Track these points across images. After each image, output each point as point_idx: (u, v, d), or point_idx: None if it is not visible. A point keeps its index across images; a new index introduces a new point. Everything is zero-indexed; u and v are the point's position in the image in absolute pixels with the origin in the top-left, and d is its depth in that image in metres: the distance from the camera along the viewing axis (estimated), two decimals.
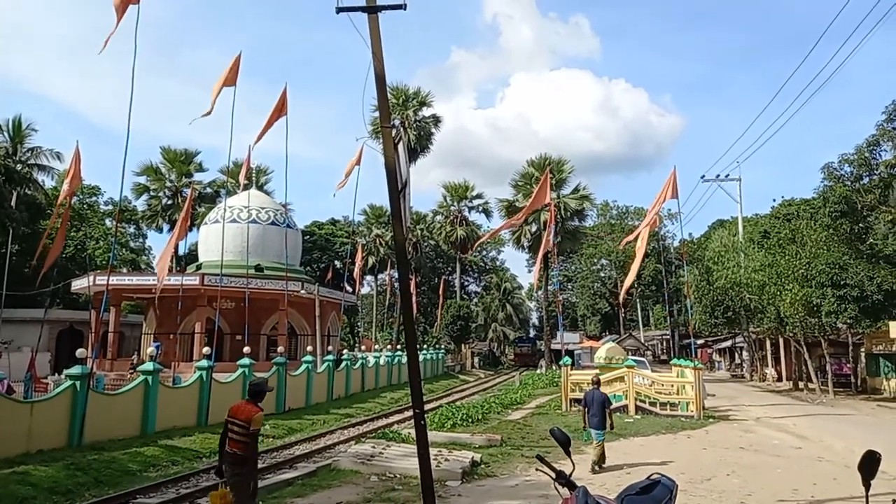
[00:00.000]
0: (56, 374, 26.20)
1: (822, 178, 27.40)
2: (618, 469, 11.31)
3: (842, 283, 23.97)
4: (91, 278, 28.53)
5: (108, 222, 53.01)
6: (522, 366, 63.84)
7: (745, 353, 44.13)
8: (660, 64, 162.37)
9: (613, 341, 44.07)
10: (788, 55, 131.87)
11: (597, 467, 11.14)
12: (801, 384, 31.70)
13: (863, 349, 30.60)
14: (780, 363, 37.78)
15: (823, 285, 24.65)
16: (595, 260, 77.19)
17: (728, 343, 48.53)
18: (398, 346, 42.84)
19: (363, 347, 46.25)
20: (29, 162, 40.03)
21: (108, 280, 20.14)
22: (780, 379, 36.98)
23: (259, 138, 22.16)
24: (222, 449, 7.07)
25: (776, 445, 14.49)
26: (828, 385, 28.38)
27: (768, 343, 38.96)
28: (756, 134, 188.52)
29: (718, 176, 41.77)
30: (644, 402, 19.78)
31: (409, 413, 20.67)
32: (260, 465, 14.11)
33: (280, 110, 22.39)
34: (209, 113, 19.51)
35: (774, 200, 54.62)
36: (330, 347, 30.17)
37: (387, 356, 36.67)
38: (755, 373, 40.33)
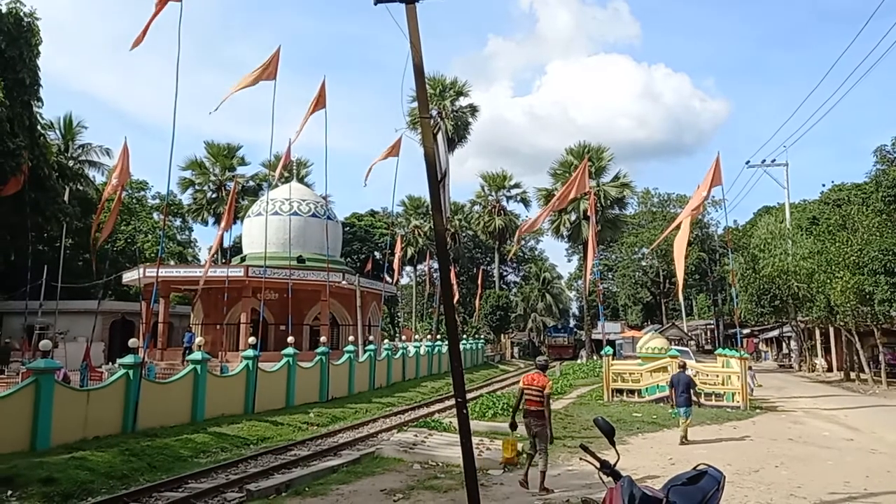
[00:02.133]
0: (110, 364, 27.19)
1: (874, 162, 26.55)
2: (662, 460, 11.20)
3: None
4: (141, 271, 29.43)
5: (156, 216, 54.52)
6: (557, 359, 51.99)
7: (792, 343, 42.97)
8: (702, 47, 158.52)
9: (656, 331, 43.41)
10: (838, 32, 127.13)
11: (685, 440, 12.76)
12: (852, 375, 30.77)
13: None
14: (829, 353, 36.68)
15: (876, 272, 23.83)
16: (636, 249, 75.90)
17: (775, 333, 47.33)
18: (438, 336, 43.06)
19: (403, 337, 46.65)
20: (80, 158, 41.38)
21: (157, 272, 20.76)
22: (830, 369, 35.93)
23: (298, 133, 22.48)
24: (515, 411, 9.66)
25: (826, 437, 14.12)
26: (881, 375, 27.49)
27: (818, 332, 37.89)
28: (804, 116, 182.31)
29: (764, 161, 40.60)
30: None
31: (450, 402, 20.84)
32: (305, 453, 14.46)
33: (318, 103, 22.62)
34: (225, 98, 19.55)
35: (824, 185, 52.90)
36: (371, 337, 30.53)
37: (427, 346, 36.91)
38: (804, 363, 39.28)
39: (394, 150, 27.63)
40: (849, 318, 26.40)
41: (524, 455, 10.17)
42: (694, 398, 13.26)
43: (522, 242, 74.32)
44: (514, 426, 9.53)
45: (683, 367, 14.29)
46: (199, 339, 21.40)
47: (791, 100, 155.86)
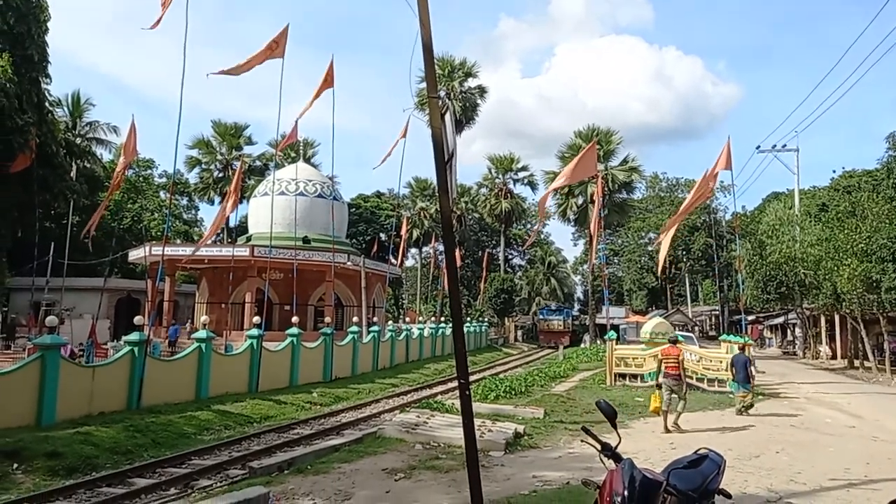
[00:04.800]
0: (115, 341, 27.39)
1: (886, 148, 26.30)
2: (663, 443, 11.23)
3: None
4: (147, 249, 29.53)
5: (162, 194, 54.62)
6: (551, 346, 48.19)
7: (797, 330, 42.88)
8: (714, 29, 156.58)
9: (660, 316, 43.35)
10: (853, 15, 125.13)
11: (744, 412, 14.46)
12: (856, 362, 30.71)
13: None
14: (834, 340, 36.59)
15: (884, 260, 23.69)
16: (643, 234, 75.54)
17: (780, 319, 47.21)
18: (442, 319, 43.16)
19: (407, 319, 46.77)
20: (88, 136, 41.41)
21: (163, 251, 20.84)
22: (834, 357, 35.86)
23: (303, 112, 22.34)
24: (658, 374, 13.18)
25: (828, 424, 14.11)
26: (885, 364, 27.42)
27: (823, 320, 37.76)
28: (816, 101, 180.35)
29: (775, 146, 40.12)
30: (691, 377, 19.45)
31: (453, 384, 20.93)
32: (308, 431, 14.57)
33: (326, 83, 22.47)
34: (229, 72, 19.10)
35: (834, 172, 52.25)
36: (375, 319, 30.62)
37: (430, 328, 37.00)
38: (808, 350, 39.21)
39: (402, 132, 27.52)
40: (855, 306, 26.29)
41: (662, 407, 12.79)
42: (751, 376, 15.04)
43: (528, 226, 74.05)
44: (659, 385, 12.92)
45: (742, 349, 16.18)
46: (204, 318, 21.50)
47: (804, 84, 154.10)
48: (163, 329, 29.87)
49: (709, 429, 13.05)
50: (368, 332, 27.64)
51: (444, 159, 6.81)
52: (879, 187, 27.18)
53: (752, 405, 14.85)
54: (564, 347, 43.97)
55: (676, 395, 12.76)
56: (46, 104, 25.71)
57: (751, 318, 47.83)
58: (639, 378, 20.33)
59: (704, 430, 12.76)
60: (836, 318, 33.82)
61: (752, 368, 14.88)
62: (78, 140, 39.49)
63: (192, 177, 53.84)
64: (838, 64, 68.35)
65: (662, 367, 13.02)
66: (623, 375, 20.66)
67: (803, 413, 15.62)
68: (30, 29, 22.62)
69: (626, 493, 3.80)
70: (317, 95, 22.23)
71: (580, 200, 49.26)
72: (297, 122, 25.22)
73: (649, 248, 76.68)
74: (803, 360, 36.85)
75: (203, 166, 52.50)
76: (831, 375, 27.47)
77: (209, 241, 27.72)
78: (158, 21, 16.73)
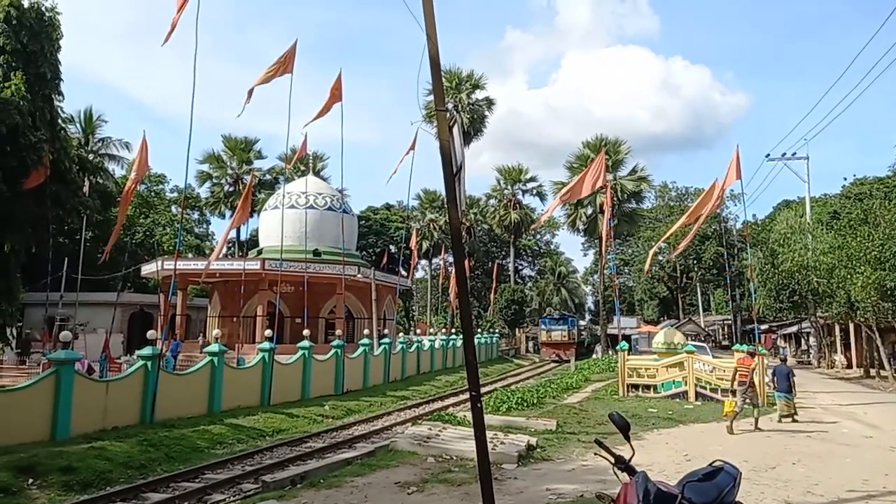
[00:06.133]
0: (128, 355, 27.50)
1: None
2: (678, 456, 11.13)
3: None
4: (159, 263, 29.72)
5: (174, 209, 55.04)
6: (555, 361, 44.96)
7: (811, 339, 42.46)
8: (721, 39, 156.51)
9: (672, 326, 43.04)
10: (860, 23, 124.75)
11: (783, 420, 15.00)
12: (872, 371, 30.35)
13: None
14: (849, 349, 36.19)
15: None
16: (653, 243, 75.19)
17: (794, 328, 46.79)
18: (453, 330, 43.08)
19: (418, 331, 46.71)
20: (100, 152, 41.90)
21: (175, 265, 20.96)
22: (849, 366, 35.46)
23: (310, 122, 22.52)
24: (732, 382, 14.86)
25: (845, 434, 13.94)
26: None
27: (837, 328, 37.38)
28: (826, 109, 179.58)
29: (784, 154, 39.93)
30: (705, 388, 19.33)
31: (464, 396, 20.85)
32: (320, 445, 14.56)
33: (334, 97, 22.66)
34: (249, 96, 19.73)
35: (845, 179, 52.07)
36: (386, 331, 30.63)
37: (441, 340, 36.95)
38: (823, 359, 38.80)
39: (411, 145, 27.68)
40: (869, 314, 26.01)
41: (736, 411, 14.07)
42: (793, 387, 15.65)
43: (538, 237, 73.95)
44: (733, 392, 14.90)
45: (784, 360, 17.64)
46: (216, 331, 21.58)
47: (813, 92, 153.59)
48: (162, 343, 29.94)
49: (722, 440, 12.93)
50: (379, 345, 27.64)
51: (452, 171, 6.85)
52: (891, 194, 27.05)
53: (795, 413, 15.36)
54: (568, 362, 41.36)
55: (751, 402, 14.17)
56: (59, 121, 25.98)
57: (764, 327, 47.42)
58: (652, 389, 20.18)
59: (719, 441, 12.65)
60: (851, 326, 33.48)
61: (794, 379, 15.57)
62: (91, 156, 39.92)
63: (204, 191, 54.31)
64: (847, 71, 68.17)
65: (737, 376, 14.44)
66: (636, 386, 20.52)
67: (819, 423, 15.45)
68: (43, 47, 22.93)
69: None
70: (326, 109, 22.44)
71: (589, 210, 49.21)
72: (305, 135, 25.46)
73: (660, 258, 76.32)
74: (818, 370, 36.45)
75: (214, 181, 52.91)
76: (847, 385, 27.15)
77: (220, 255, 27.83)
78: (168, 36, 16.99)
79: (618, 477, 4.27)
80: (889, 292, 24.03)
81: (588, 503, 7.84)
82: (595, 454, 5.02)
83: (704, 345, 31.16)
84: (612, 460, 4.25)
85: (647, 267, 33.48)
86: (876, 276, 24.05)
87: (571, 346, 47.62)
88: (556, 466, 10.52)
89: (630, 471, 4.14)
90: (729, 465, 5.00)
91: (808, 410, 17.96)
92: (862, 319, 27.62)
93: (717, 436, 13.56)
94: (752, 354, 15.42)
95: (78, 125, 40.76)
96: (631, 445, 4.45)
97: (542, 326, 51.36)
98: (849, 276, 25.78)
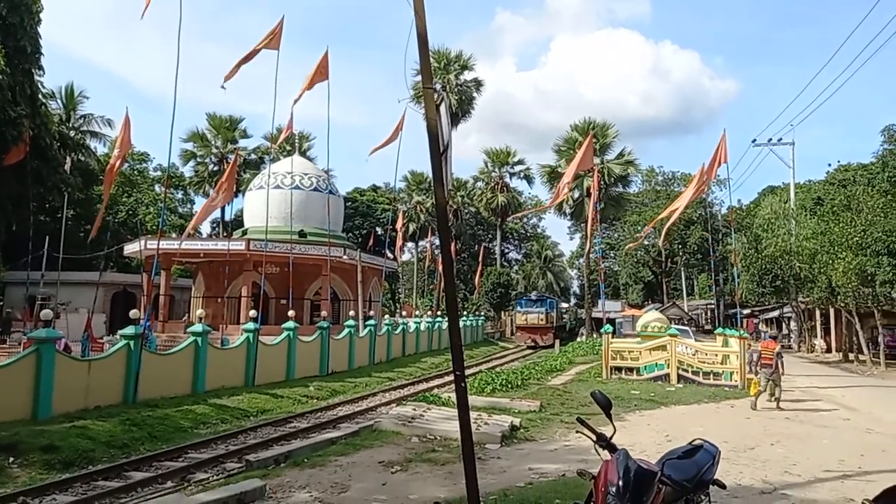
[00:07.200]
0: (111, 335, 27.31)
1: (881, 142, 26.32)
2: (659, 436, 11.27)
3: None
4: (142, 243, 29.39)
5: (157, 188, 54.38)
6: (531, 347, 41.82)
7: (792, 324, 43.06)
8: (711, 24, 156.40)
9: (656, 310, 43.34)
10: (849, 9, 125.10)
11: (770, 400, 15.26)
12: (851, 356, 30.85)
13: None
14: (829, 334, 36.76)
15: (879, 254, 23.77)
16: (639, 227, 75.52)
17: (775, 313, 47.39)
18: (438, 313, 43.17)
19: (404, 313, 46.73)
20: (81, 129, 41.15)
21: (158, 244, 20.74)
22: (829, 350, 36.03)
23: (297, 100, 22.22)
24: (755, 364, 16.02)
25: (823, 416, 14.19)
26: (879, 357, 27.56)
27: (818, 313, 37.93)
28: (812, 95, 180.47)
29: (770, 140, 40.19)
30: (687, 371, 19.55)
31: (449, 378, 20.94)
32: (305, 425, 14.58)
33: (320, 73, 22.31)
34: (233, 72, 19.36)
35: (830, 165, 52.21)
36: (371, 312, 30.60)
37: (427, 322, 37.02)
38: (803, 343, 39.41)
39: (398, 127, 27.44)
40: (849, 299, 26.39)
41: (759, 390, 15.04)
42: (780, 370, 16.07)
43: (524, 220, 73.91)
44: (756, 373, 15.61)
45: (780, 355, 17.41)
46: (200, 312, 21.45)
47: (801, 77, 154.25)
48: (159, 323, 29.78)
49: (703, 421, 13.10)
50: (365, 326, 27.63)
51: (439, 149, 6.79)
52: (874, 181, 27.25)
53: (759, 394, 15.54)
54: (544, 348, 39.03)
55: (773, 382, 15.10)
56: (40, 96, 25.53)
57: (746, 311, 47.92)
58: (634, 372, 20.37)
59: (699, 422, 12.81)
60: (831, 311, 33.96)
61: (780, 362, 15.80)
62: (72, 133, 39.29)
63: (188, 170, 53.69)
64: (833, 57, 68.34)
65: (760, 359, 15.51)
66: (619, 369, 20.70)
67: (798, 406, 15.70)
68: (22, 20, 22.43)
69: (620, 483, 3.81)
70: (310, 84, 22.04)
71: (576, 194, 49.22)
72: (292, 113, 25.15)
73: (645, 243, 76.71)
74: (798, 354, 37.00)
75: (198, 160, 52.30)
76: (826, 368, 27.59)
77: (198, 224, 27.35)
78: (146, 9, 16.62)
79: (599, 455, 4.31)
80: (869, 278, 24.37)
81: (570, 481, 7.91)
82: (577, 433, 5.06)
83: (687, 328, 31.43)
84: (594, 438, 4.28)
85: (637, 242, 33.67)
86: (857, 261, 24.36)
87: (549, 331, 44.08)
88: (539, 446, 10.62)
89: (611, 448, 4.17)
90: (708, 444, 5.07)
91: (787, 393, 18.24)
92: (842, 304, 28.01)
93: (698, 417, 13.75)
94: (773, 338, 16.92)
95: (59, 101, 39.97)
96: (612, 423, 4.48)
97: (518, 308, 47.12)
98: (830, 262, 26.10)
